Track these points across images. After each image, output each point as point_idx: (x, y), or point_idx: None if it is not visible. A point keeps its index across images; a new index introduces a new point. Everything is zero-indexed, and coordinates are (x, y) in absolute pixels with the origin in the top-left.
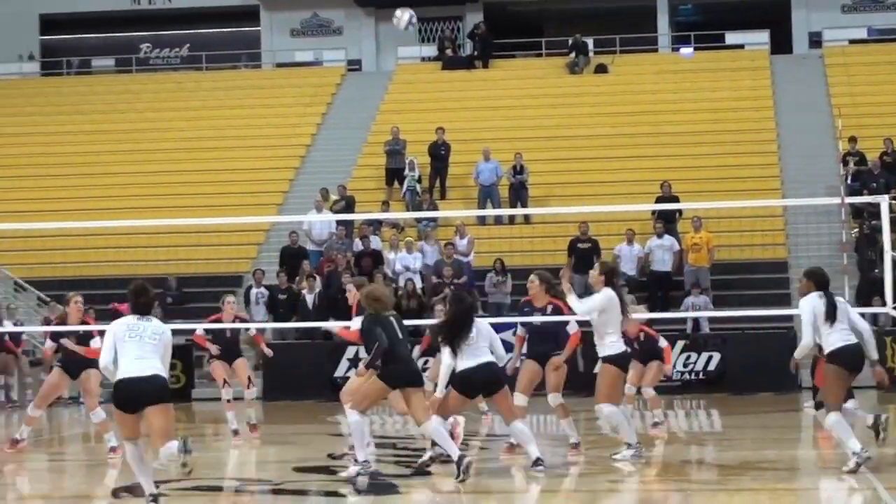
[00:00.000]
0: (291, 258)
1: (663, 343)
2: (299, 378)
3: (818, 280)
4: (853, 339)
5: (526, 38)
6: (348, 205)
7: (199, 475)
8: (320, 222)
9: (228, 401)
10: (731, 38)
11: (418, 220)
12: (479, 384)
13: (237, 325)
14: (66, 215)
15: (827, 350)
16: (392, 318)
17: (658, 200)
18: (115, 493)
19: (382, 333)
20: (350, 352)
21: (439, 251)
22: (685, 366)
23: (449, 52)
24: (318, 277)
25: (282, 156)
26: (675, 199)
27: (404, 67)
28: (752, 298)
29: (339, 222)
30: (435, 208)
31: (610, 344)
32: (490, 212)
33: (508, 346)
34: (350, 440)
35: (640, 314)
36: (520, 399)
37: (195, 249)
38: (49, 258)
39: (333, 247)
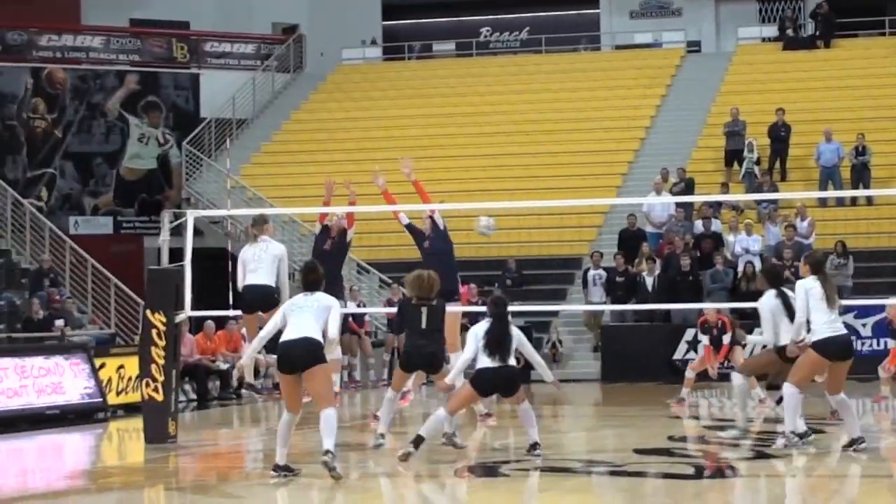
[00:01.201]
0: (630, 240)
1: None
2: (638, 359)
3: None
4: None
5: (869, 17)
6: (688, 186)
7: (545, 455)
8: (660, 204)
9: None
10: None
11: (758, 202)
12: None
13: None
14: (404, 199)
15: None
16: (424, 307)
17: None
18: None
19: (401, 321)
20: (689, 334)
21: (780, 233)
22: None
23: (790, 32)
24: (657, 260)
25: (621, 138)
26: None
27: (744, 48)
28: None
29: (678, 204)
30: (775, 190)
31: (813, 330)
32: (832, 193)
33: None
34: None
35: None
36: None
37: (535, 232)
38: (391, 241)
39: (673, 229)
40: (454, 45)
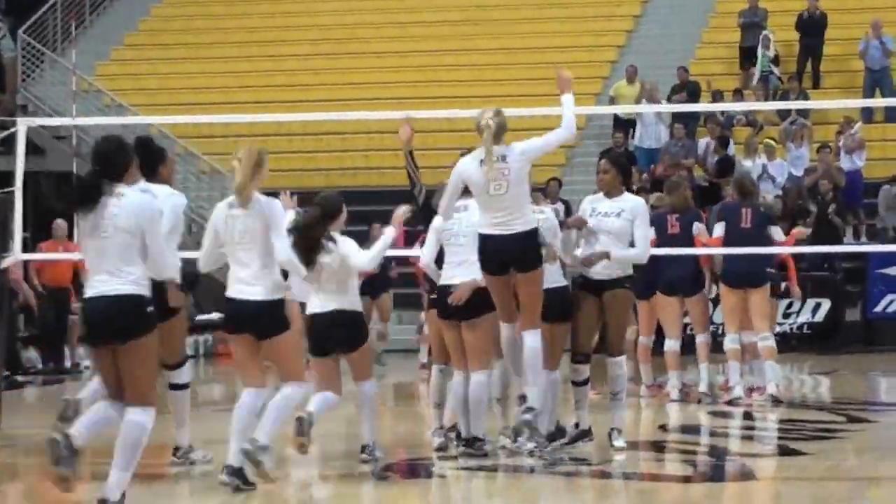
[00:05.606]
0: None
1: None
2: None
3: None
4: None
5: None
6: (690, 94)
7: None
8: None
9: None
10: None
11: (783, 116)
12: None
13: None
14: (308, 107)
15: None
16: None
17: None
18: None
19: None
20: None
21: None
22: None
23: None
24: (646, 189)
25: (601, 30)
26: None
27: None
28: None
29: (677, 116)
30: (806, 98)
31: None
32: (880, 102)
33: None
34: None
35: None
36: None
37: None
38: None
39: (670, 149)
40: None
